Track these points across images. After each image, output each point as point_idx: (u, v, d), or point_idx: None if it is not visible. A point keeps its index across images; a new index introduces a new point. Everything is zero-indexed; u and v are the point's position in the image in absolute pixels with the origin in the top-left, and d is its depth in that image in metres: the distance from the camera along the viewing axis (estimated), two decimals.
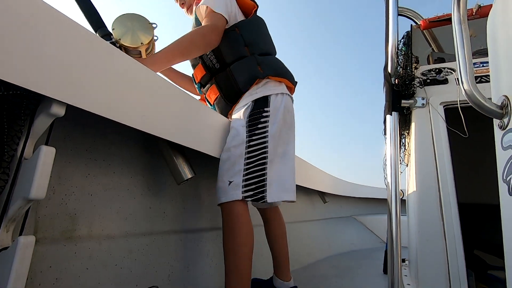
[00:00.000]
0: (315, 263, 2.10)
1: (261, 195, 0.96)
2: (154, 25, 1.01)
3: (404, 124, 1.39)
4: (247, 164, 0.98)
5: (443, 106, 1.23)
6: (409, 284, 1.19)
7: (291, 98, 1.17)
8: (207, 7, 1.08)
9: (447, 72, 1.31)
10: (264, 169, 0.98)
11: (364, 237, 3.38)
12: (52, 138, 0.66)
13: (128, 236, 0.91)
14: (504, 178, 0.54)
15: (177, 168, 0.94)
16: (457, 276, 0.99)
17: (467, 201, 1.59)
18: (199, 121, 0.96)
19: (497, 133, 0.59)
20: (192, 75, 1.25)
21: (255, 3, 1.22)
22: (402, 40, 1.48)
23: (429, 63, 1.54)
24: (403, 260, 1.57)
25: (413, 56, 1.41)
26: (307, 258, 2.11)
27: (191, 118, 0.92)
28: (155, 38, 1.00)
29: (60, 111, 0.57)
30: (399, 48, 1.40)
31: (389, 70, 1.27)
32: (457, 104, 1.12)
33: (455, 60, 0.65)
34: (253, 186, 0.96)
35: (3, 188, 0.57)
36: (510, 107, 0.54)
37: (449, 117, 1.20)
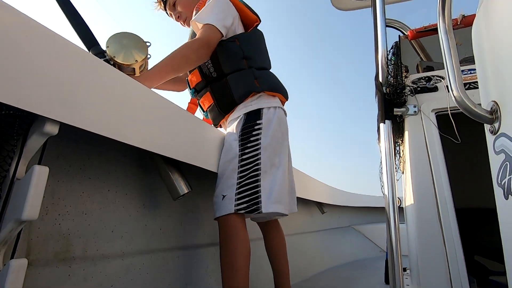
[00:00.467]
0: (316, 276, 2.07)
1: (255, 206, 0.95)
2: (148, 43, 1.02)
3: (398, 132, 1.41)
4: (240, 178, 0.98)
5: (435, 113, 1.25)
6: None
7: (284, 111, 1.18)
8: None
9: (436, 80, 1.34)
10: (257, 180, 0.98)
11: (364, 246, 3.35)
12: (45, 157, 0.66)
13: (124, 256, 0.88)
14: (499, 182, 0.54)
15: (173, 184, 0.93)
16: (459, 283, 0.98)
17: (464, 206, 1.60)
18: (194, 135, 0.96)
19: (489, 138, 0.60)
20: (187, 79, 1.25)
21: (258, 17, 1.23)
22: (391, 50, 1.52)
23: (418, 72, 1.57)
24: (404, 269, 1.55)
25: (402, 65, 1.45)
26: (308, 270, 2.08)
27: (186, 133, 0.92)
28: (148, 56, 1.01)
29: (53, 129, 0.56)
30: (389, 58, 1.44)
31: (380, 79, 1.29)
32: (448, 110, 1.14)
33: (444, 68, 0.67)
34: (247, 199, 0.96)
35: None
36: (500, 112, 0.55)
37: (441, 124, 1.22)
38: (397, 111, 1.30)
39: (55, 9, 0.99)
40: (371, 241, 3.57)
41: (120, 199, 0.91)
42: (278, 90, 1.15)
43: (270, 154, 1.03)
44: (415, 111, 1.28)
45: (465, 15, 1.50)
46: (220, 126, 1.24)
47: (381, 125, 1.24)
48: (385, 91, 1.28)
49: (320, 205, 2.73)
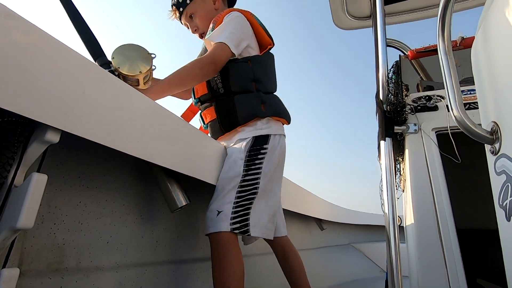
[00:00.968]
0: None
1: (245, 228, 0.97)
2: (153, 55, 1.04)
3: (398, 149, 1.41)
4: (238, 197, 0.99)
5: (435, 132, 1.25)
6: None
7: (284, 137, 1.20)
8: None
9: (436, 99, 1.35)
10: (251, 203, 1.00)
11: (363, 266, 3.28)
12: (44, 165, 0.65)
13: (118, 268, 0.87)
14: (500, 203, 0.54)
15: (171, 195, 0.92)
16: None
17: (465, 227, 1.57)
18: (194, 147, 0.96)
19: (490, 158, 0.59)
20: (193, 88, 1.24)
21: (272, 41, 1.24)
22: (392, 69, 1.54)
23: (418, 91, 1.59)
24: None
25: (403, 84, 1.46)
26: None
27: (186, 145, 0.92)
28: (153, 67, 1.03)
29: (54, 138, 0.56)
30: (389, 76, 1.46)
31: (380, 97, 1.30)
32: (448, 130, 1.14)
33: (444, 88, 0.68)
34: (240, 219, 0.97)
35: None
36: (500, 133, 0.55)
37: (442, 143, 1.22)
38: (397, 129, 1.30)
39: (64, 19, 1.01)
40: (371, 260, 3.49)
41: (117, 210, 0.90)
42: (282, 115, 1.17)
43: (267, 181, 1.06)
44: (415, 130, 1.29)
45: (464, 37, 1.53)
46: None
47: (382, 142, 1.24)
48: (385, 109, 1.29)
49: (319, 222, 2.69)
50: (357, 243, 3.72)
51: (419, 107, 1.35)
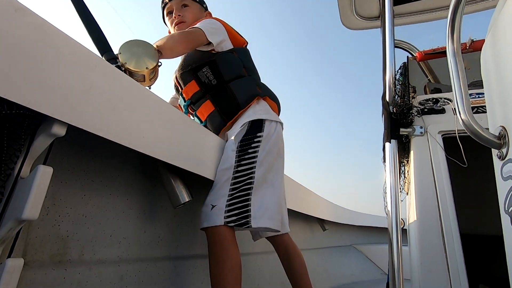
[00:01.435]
0: None
1: (244, 220, 0.94)
2: (159, 52, 1.05)
3: (403, 152, 1.40)
4: (232, 189, 0.97)
5: (441, 135, 1.24)
6: None
7: (282, 125, 1.20)
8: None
9: (444, 101, 1.34)
10: (248, 194, 0.97)
11: (364, 267, 3.27)
12: (50, 158, 0.66)
13: (120, 262, 0.87)
14: (506, 209, 0.53)
15: (175, 191, 0.92)
16: None
17: (469, 232, 1.56)
18: (198, 143, 0.96)
19: (496, 163, 0.59)
20: (181, 93, 1.25)
21: (246, 40, 1.32)
22: (399, 70, 1.53)
23: (426, 93, 1.57)
24: None
25: (410, 85, 1.45)
26: None
27: (191, 141, 0.92)
28: (159, 64, 1.03)
29: (61, 131, 0.57)
30: (397, 78, 1.44)
31: (387, 99, 1.29)
32: (455, 133, 1.13)
33: (451, 91, 0.67)
34: (236, 212, 0.94)
35: None
36: (508, 138, 0.54)
37: (448, 146, 1.21)
38: (403, 131, 1.29)
39: (72, 13, 1.02)
40: (372, 262, 3.48)
41: (120, 204, 0.91)
42: (275, 99, 1.23)
43: (265, 170, 1.04)
44: (421, 132, 1.27)
45: (474, 39, 1.51)
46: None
47: (387, 144, 1.23)
48: (391, 111, 1.28)
49: (321, 222, 2.68)
50: (359, 244, 3.71)
51: (425, 110, 1.33)
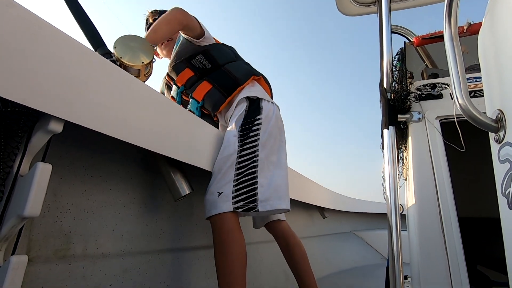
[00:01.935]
0: (317, 281, 2.05)
1: (252, 204, 0.92)
2: (154, 47, 1.04)
3: (401, 138, 1.40)
4: (238, 174, 0.95)
5: (439, 120, 1.24)
6: None
7: (278, 108, 1.21)
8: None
9: (441, 87, 1.33)
10: (254, 177, 0.96)
11: (364, 253, 3.32)
12: (48, 155, 0.66)
13: (123, 255, 0.88)
14: (503, 191, 0.54)
15: (175, 184, 0.93)
16: None
17: (467, 215, 1.58)
18: (198, 136, 0.96)
19: (494, 146, 0.59)
20: (175, 82, 1.25)
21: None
22: (396, 56, 1.51)
23: (423, 79, 1.57)
24: (405, 277, 1.54)
25: (407, 71, 1.44)
26: None
27: (189, 134, 0.92)
28: (154, 59, 1.02)
29: (58, 127, 0.57)
30: (394, 64, 1.43)
31: (384, 85, 1.29)
32: (454, 118, 1.13)
33: (449, 75, 0.66)
34: (244, 196, 0.93)
35: None
36: (505, 121, 0.55)
37: (446, 131, 1.21)
38: (401, 117, 1.29)
39: (63, 9, 1.00)
40: (372, 248, 3.54)
41: (121, 199, 0.92)
42: (269, 84, 1.29)
43: (268, 151, 1.03)
44: (419, 118, 1.27)
45: (472, 23, 1.50)
46: (217, 118, 1.25)
47: (385, 131, 1.23)
48: (389, 97, 1.28)
49: (321, 210, 2.71)
50: (359, 231, 3.76)
51: (423, 95, 1.33)
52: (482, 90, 0.75)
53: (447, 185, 1.12)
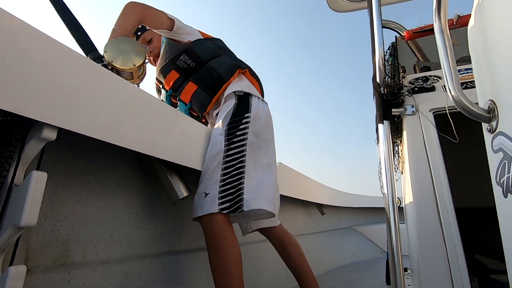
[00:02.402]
0: (317, 278, 2.06)
1: (237, 205, 0.90)
2: (146, 48, 1.03)
3: (396, 132, 1.41)
4: (224, 174, 0.93)
5: (433, 113, 1.25)
6: None
7: (267, 105, 1.19)
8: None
9: (433, 79, 1.35)
10: (241, 178, 0.93)
11: (364, 247, 3.34)
12: (43, 162, 0.65)
13: (123, 260, 0.88)
14: (498, 180, 0.54)
15: (173, 187, 0.92)
16: (460, 282, 0.98)
17: (463, 205, 1.60)
18: (193, 138, 0.96)
19: (487, 136, 0.60)
20: (162, 86, 1.25)
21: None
22: (388, 51, 1.52)
23: (415, 72, 1.58)
24: (405, 269, 1.55)
25: (399, 65, 1.45)
26: None
27: (185, 136, 0.92)
28: (146, 61, 1.01)
29: (51, 135, 0.56)
30: (386, 58, 1.44)
31: (377, 80, 1.29)
32: (446, 110, 1.14)
33: (440, 68, 0.67)
34: (230, 197, 0.91)
35: None
36: (497, 111, 0.55)
37: (439, 123, 1.22)
38: (395, 111, 1.30)
39: (52, 15, 0.99)
40: (372, 242, 3.56)
41: (119, 204, 0.91)
42: (256, 78, 1.25)
43: (256, 152, 1.01)
44: (413, 111, 1.29)
45: (461, 15, 1.51)
46: (205, 120, 1.24)
47: (380, 125, 1.24)
48: (382, 92, 1.29)
49: (320, 207, 2.72)
50: (357, 225, 3.78)
51: (416, 89, 1.34)
52: (474, 81, 0.76)
53: (443, 177, 1.13)
